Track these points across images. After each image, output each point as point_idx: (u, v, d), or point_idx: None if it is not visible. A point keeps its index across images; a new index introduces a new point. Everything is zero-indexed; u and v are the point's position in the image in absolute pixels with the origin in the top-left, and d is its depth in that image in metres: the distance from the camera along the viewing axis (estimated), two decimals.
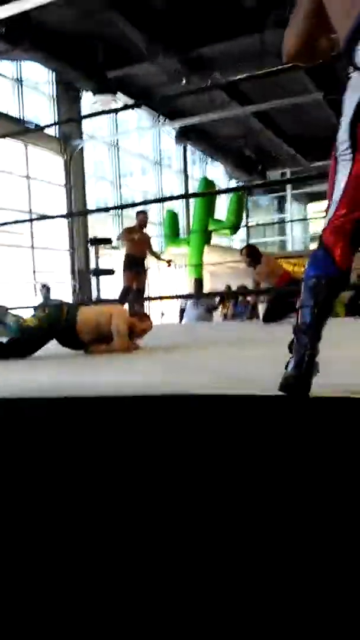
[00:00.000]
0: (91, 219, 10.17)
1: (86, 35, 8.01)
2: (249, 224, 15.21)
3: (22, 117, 8.89)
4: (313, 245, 15.55)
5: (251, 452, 1.25)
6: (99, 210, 6.58)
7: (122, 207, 5.57)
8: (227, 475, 1.23)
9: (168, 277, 9.76)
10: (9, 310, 2.87)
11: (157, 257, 6.57)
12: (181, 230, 12.10)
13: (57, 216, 7.16)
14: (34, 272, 9.07)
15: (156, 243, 9.54)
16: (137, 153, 12.35)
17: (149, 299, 5.84)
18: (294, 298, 1.51)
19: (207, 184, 11.55)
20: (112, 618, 1.07)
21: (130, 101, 9.79)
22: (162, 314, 9.74)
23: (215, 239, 12.22)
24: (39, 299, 7.48)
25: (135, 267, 5.90)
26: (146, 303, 7.34)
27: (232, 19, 7.46)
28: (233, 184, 15.21)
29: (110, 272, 6.37)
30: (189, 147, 13.22)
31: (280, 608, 1.03)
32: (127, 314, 3.04)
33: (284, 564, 1.08)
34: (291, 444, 1.23)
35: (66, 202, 9.70)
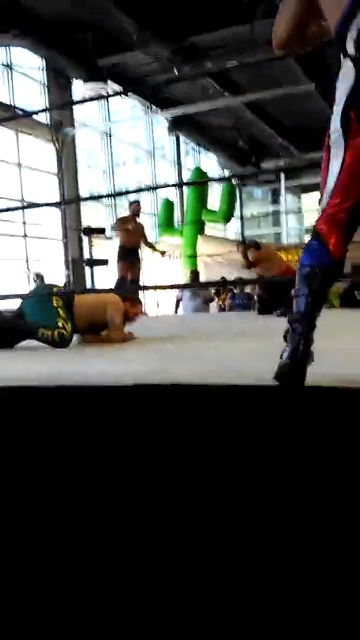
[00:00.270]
0: (84, 208, 10.10)
1: (77, 22, 7.91)
2: (243, 216, 15.19)
3: (12, 104, 8.79)
4: (308, 237, 15.47)
5: (246, 440, 1.25)
6: (92, 198, 6.53)
7: (115, 195, 5.54)
8: (222, 465, 1.24)
9: (163, 268, 9.74)
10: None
11: (152, 247, 6.54)
12: (175, 222, 12.06)
13: (49, 204, 7.10)
14: (27, 261, 9.00)
15: (151, 233, 9.52)
16: (130, 142, 12.27)
17: (145, 287, 5.83)
18: (288, 289, 1.52)
19: (200, 174, 11.51)
20: (108, 610, 1.08)
21: (120, 89, 9.71)
22: (158, 305, 9.72)
23: (209, 230, 12.20)
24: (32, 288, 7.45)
25: (129, 257, 5.88)
26: (141, 293, 7.31)
27: (224, 8, 7.39)
28: (227, 173, 15.17)
29: (104, 262, 6.36)
30: (182, 137, 13.14)
31: (274, 596, 1.04)
32: (121, 303, 3.04)
33: (279, 553, 1.09)
34: (286, 434, 1.24)
35: (58, 191, 9.63)
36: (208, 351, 2.45)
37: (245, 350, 2.36)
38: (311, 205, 15.34)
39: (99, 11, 7.38)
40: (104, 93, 8.58)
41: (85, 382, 1.63)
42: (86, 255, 8.90)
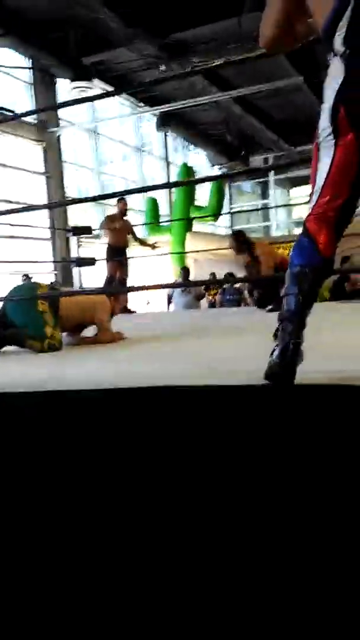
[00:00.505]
0: (72, 207, 10.04)
1: (61, 21, 7.84)
2: (233, 210, 15.16)
3: None
4: (297, 230, 15.59)
5: (237, 440, 1.25)
6: (80, 200, 6.46)
7: (103, 197, 5.49)
8: (212, 465, 1.23)
9: (152, 265, 9.71)
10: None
11: (143, 242, 6.52)
12: (164, 218, 12.03)
13: (38, 207, 7.03)
14: (14, 261, 8.90)
15: (140, 230, 9.46)
16: (118, 139, 12.20)
17: (136, 289, 5.79)
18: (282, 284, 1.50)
19: (187, 170, 11.49)
20: (108, 610, 1.07)
21: (108, 87, 9.65)
22: (148, 302, 9.69)
23: (198, 226, 12.16)
24: None
25: (117, 256, 5.86)
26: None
27: (211, 2, 7.35)
28: (216, 169, 15.14)
29: (91, 261, 6.30)
30: (170, 134, 13.10)
31: (271, 590, 1.04)
32: (109, 303, 3.01)
33: (271, 550, 1.09)
34: (276, 432, 1.23)
35: (46, 190, 9.55)
36: (199, 349, 2.44)
37: (237, 348, 2.35)
38: (300, 199, 15.38)
39: (84, 9, 7.31)
40: (90, 92, 8.50)
41: (73, 387, 1.62)
42: (74, 255, 8.84)
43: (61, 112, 9.93)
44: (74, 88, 8.47)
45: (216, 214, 11.71)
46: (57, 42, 8.23)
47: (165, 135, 13.23)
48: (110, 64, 9.37)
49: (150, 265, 9.12)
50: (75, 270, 9.10)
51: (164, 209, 12.35)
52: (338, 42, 1.27)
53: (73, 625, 1.08)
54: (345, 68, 1.27)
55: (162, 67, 8.82)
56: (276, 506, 1.14)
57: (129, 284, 6.04)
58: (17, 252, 9.03)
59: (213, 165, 15.01)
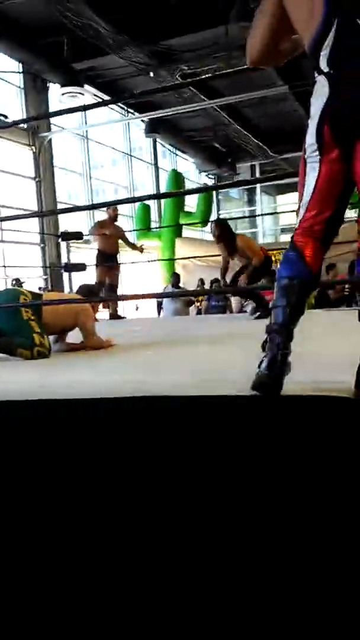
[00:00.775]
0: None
1: (52, 26, 7.85)
2: (220, 217, 15.16)
3: None
4: (284, 237, 15.70)
5: (225, 450, 1.27)
6: (69, 210, 6.44)
7: (93, 207, 5.51)
8: (200, 475, 1.25)
9: (142, 270, 9.72)
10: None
11: (134, 247, 6.51)
12: (153, 224, 12.07)
13: (29, 215, 7.00)
14: (4, 266, 8.88)
15: (130, 236, 9.47)
16: (108, 145, 12.23)
17: (124, 297, 5.80)
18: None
19: (176, 176, 11.56)
20: (111, 617, 1.08)
21: (97, 93, 9.69)
22: (137, 308, 9.70)
23: (188, 232, 12.20)
24: None
25: (107, 262, 5.86)
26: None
27: (199, 10, 7.43)
28: (203, 176, 15.21)
29: (81, 267, 6.31)
30: (159, 140, 13.15)
31: (270, 592, 1.06)
32: (91, 309, 3.01)
33: (260, 556, 1.11)
34: (264, 443, 1.26)
35: (36, 195, 9.54)
36: (188, 358, 2.46)
37: (225, 357, 2.38)
38: (286, 207, 15.49)
39: (76, 15, 7.34)
40: (80, 97, 8.52)
41: (59, 396, 1.62)
42: (64, 260, 8.82)
43: (51, 118, 9.94)
44: (64, 93, 8.49)
45: (205, 220, 11.79)
46: (48, 47, 8.24)
47: (155, 141, 13.29)
48: (100, 70, 9.41)
49: (140, 270, 9.14)
50: (65, 275, 9.08)
51: (153, 215, 12.40)
52: (323, 62, 1.32)
53: (73, 625, 1.10)
54: (330, 87, 1.31)
55: (151, 74, 8.87)
56: (265, 515, 1.16)
57: (119, 289, 6.05)
58: (7, 257, 9.00)
59: (201, 172, 15.08)
